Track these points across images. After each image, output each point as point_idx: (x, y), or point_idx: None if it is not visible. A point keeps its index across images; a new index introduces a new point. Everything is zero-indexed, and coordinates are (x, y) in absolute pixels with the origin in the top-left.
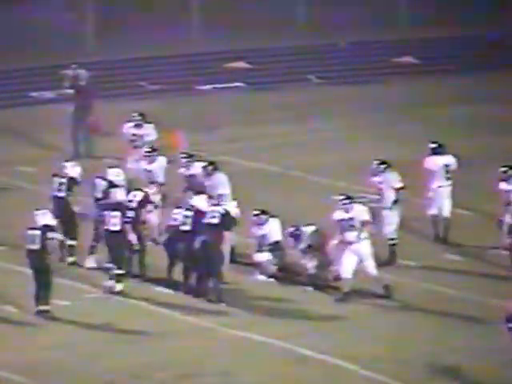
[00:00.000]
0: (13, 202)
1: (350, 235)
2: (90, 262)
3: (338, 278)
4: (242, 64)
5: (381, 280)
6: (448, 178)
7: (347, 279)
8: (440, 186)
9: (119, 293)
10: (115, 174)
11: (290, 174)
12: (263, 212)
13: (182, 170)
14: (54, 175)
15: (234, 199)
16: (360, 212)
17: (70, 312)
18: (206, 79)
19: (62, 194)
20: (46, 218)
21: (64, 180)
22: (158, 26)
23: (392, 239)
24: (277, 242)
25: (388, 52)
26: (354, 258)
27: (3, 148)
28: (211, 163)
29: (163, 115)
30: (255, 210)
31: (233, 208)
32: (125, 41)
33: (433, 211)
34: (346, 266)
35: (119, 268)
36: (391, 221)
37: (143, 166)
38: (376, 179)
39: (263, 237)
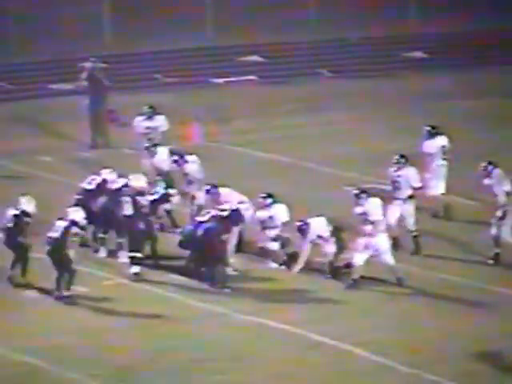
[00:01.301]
0: (30, 191)
1: (367, 228)
2: (102, 252)
3: (349, 265)
4: (255, 58)
5: (397, 271)
6: (444, 159)
7: (358, 266)
8: (438, 166)
9: (136, 274)
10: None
11: (302, 165)
12: (269, 195)
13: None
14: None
15: (245, 198)
16: (373, 206)
17: (87, 298)
18: (220, 72)
19: (90, 187)
20: (76, 214)
21: (98, 178)
22: (173, 19)
23: (412, 231)
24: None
25: (399, 46)
26: (369, 248)
27: (22, 138)
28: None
29: (178, 107)
30: (262, 193)
31: (245, 209)
32: (141, 34)
33: (432, 192)
34: (360, 254)
35: (133, 251)
36: (409, 213)
37: (150, 161)
38: (394, 173)
39: (270, 218)
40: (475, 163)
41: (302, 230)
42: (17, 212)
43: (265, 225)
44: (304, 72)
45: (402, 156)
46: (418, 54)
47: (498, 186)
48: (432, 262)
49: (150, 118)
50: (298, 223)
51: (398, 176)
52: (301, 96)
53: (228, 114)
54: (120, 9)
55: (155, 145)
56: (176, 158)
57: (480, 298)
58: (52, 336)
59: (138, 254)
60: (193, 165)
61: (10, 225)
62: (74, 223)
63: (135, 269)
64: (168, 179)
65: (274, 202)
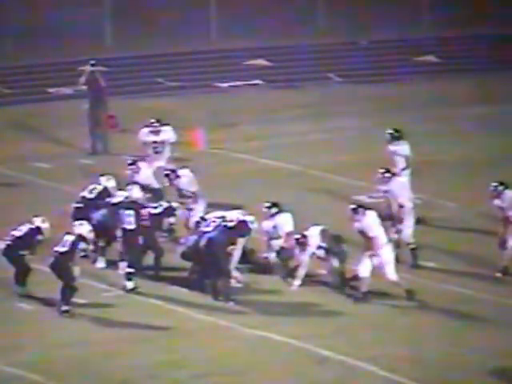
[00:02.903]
0: (27, 198)
1: (368, 244)
2: (101, 263)
3: (355, 278)
4: (261, 62)
5: (400, 285)
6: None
7: (365, 278)
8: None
9: (131, 290)
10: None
11: (309, 173)
12: (274, 204)
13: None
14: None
15: (251, 214)
16: (370, 221)
17: (86, 310)
18: (225, 76)
19: (91, 196)
20: (82, 228)
21: (99, 186)
22: (177, 22)
23: (409, 244)
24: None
25: (409, 51)
26: (373, 259)
27: (19, 143)
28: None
29: (181, 112)
30: (266, 202)
31: (251, 221)
32: (143, 37)
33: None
34: (364, 266)
35: (131, 266)
36: (407, 225)
37: (135, 179)
38: (382, 188)
39: (273, 228)
40: (488, 171)
41: (301, 244)
42: (32, 226)
43: (269, 235)
44: (312, 77)
45: (387, 171)
46: (430, 59)
47: (509, 210)
48: (443, 276)
49: (155, 132)
50: (296, 236)
51: (386, 192)
52: (308, 101)
53: (233, 120)
54: (121, 11)
55: (136, 160)
56: (168, 172)
57: (493, 312)
58: (50, 349)
59: (135, 270)
60: (184, 179)
61: (19, 234)
62: (81, 238)
63: (130, 284)
64: (157, 194)
65: (279, 211)
